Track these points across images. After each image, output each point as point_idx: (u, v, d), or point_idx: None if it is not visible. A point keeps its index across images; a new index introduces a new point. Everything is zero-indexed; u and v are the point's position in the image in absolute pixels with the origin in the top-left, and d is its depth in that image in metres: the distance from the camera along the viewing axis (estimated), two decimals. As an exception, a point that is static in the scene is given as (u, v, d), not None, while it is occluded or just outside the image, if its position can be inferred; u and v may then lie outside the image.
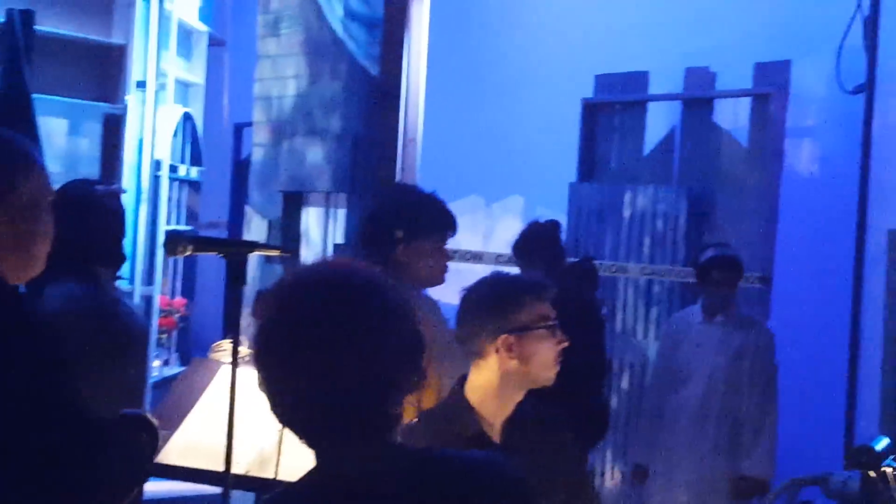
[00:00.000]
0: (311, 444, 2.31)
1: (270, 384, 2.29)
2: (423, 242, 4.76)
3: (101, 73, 9.76)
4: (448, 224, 4.84)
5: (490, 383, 3.61)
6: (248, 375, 3.60)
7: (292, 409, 2.29)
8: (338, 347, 2.23)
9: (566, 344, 3.64)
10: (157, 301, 9.97)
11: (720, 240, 7.87)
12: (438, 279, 4.89)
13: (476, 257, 9.17)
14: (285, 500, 2.28)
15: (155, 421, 3.23)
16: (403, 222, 4.79)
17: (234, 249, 3.36)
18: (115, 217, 4.75)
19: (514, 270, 10.65)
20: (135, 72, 9.65)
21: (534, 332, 3.57)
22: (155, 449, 3.20)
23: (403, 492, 2.22)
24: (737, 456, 7.00)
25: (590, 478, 3.86)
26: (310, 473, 2.30)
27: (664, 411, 7.07)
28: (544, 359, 3.60)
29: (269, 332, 2.30)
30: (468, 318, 3.65)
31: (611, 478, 9.02)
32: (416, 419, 3.65)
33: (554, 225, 7.54)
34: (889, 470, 3.95)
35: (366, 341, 2.24)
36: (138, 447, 3.06)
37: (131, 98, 9.64)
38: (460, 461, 2.35)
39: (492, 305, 3.61)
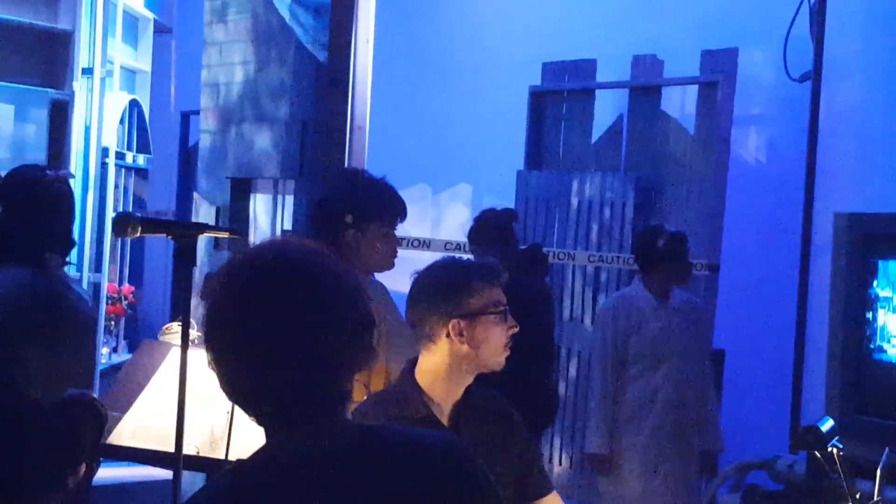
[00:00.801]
0: (261, 422, 2.30)
1: (220, 362, 2.28)
2: (372, 227, 4.77)
3: (48, 58, 9.70)
4: (397, 209, 4.84)
5: (440, 367, 3.62)
6: (198, 357, 3.61)
7: (242, 387, 2.27)
8: (288, 324, 2.21)
9: (516, 330, 3.66)
10: (105, 288, 9.92)
11: (662, 224, 7.88)
12: (387, 264, 4.90)
13: (424, 245, 9.17)
14: (235, 477, 2.27)
15: (100, 402, 3.21)
16: (353, 207, 4.80)
17: (184, 231, 3.34)
18: (63, 203, 4.72)
19: (466, 257, 10.69)
20: (81, 58, 9.59)
21: (484, 318, 3.58)
22: (101, 430, 3.18)
23: (354, 467, 2.22)
24: (700, 433, 7.08)
25: (540, 462, 3.86)
26: (260, 450, 2.29)
27: (630, 394, 7.07)
28: (494, 344, 3.61)
29: (220, 308, 2.28)
30: (419, 302, 3.66)
31: (559, 463, 9.06)
32: (365, 401, 3.65)
33: (509, 213, 7.58)
34: (835, 450, 3.98)
35: (316, 318, 2.23)
36: (77, 428, 3.04)
37: (78, 85, 9.59)
38: (411, 437, 2.35)
39: (443, 290, 3.61)
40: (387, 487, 2.20)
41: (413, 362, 3.71)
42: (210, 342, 2.29)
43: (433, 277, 3.69)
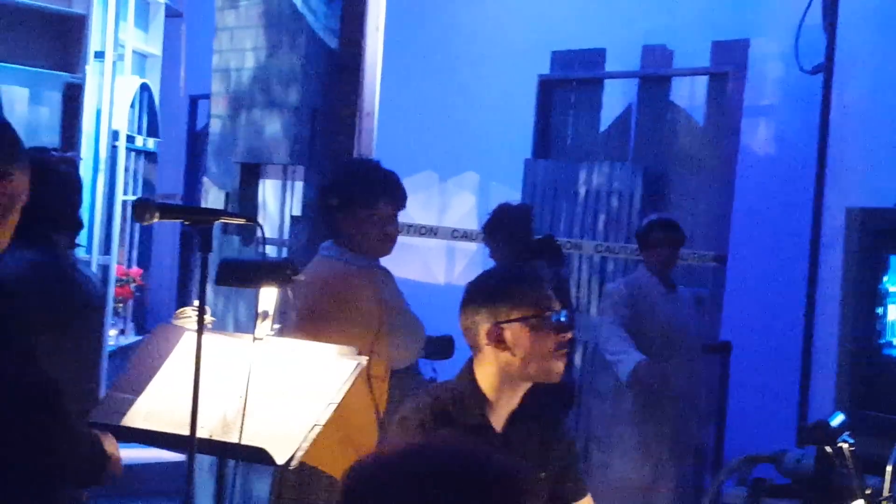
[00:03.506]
0: None
1: None
2: (358, 210, 4.79)
3: (62, 42, 9.72)
4: (378, 192, 4.84)
5: (491, 375, 3.56)
6: (212, 342, 3.63)
7: None
8: None
9: (568, 336, 3.58)
10: (114, 270, 9.95)
11: (672, 216, 7.90)
12: (382, 249, 4.91)
13: (431, 232, 9.17)
14: None
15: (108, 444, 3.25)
16: (337, 191, 4.83)
17: (201, 217, 3.36)
18: (69, 183, 4.73)
19: (469, 246, 10.70)
20: (93, 42, 9.61)
21: (522, 324, 3.51)
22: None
23: None
24: (696, 426, 7.12)
25: (578, 466, 3.83)
26: None
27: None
28: (537, 350, 3.52)
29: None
30: (466, 311, 3.61)
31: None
32: (419, 395, 3.62)
33: (526, 209, 7.63)
34: (845, 445, 3.98)
35: None
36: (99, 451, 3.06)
37: (90, 68, 9.61)
38: None
39: (484, 296, 3.57)
40: None
41: (473, 362, 3.65)
42: None
43: (478, 284, 3.67)
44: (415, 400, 3.57)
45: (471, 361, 3.63)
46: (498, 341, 3.51)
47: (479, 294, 3.59)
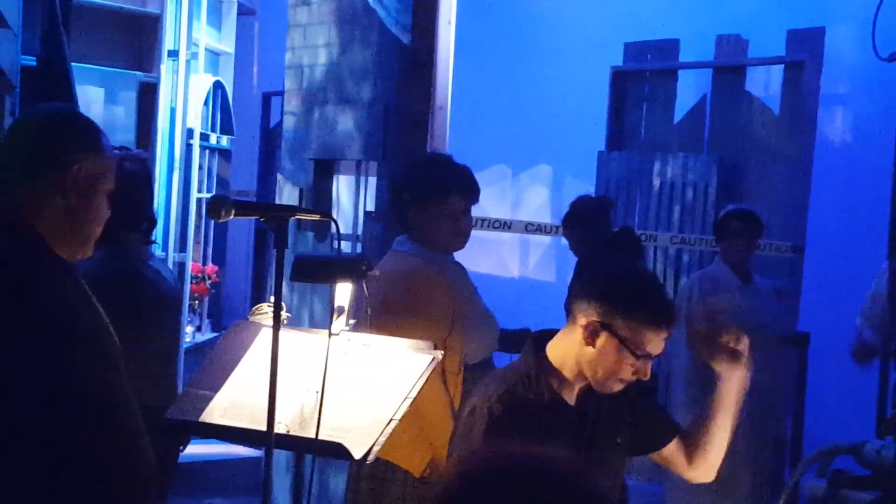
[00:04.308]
0: None
1: None
2: (431, 205, 4.77)
3: (136, 42, 9.80)
4: (457, 187, 4.82)
5: (569, 350, 3.58)
6: (288, 338, 3.64)
7: None
8: None
9: (643, 378, 3.59)
10: (190, 268, 10.01)
11: (750, 207, 7.84)
12: (456, 244, 4.89)
13: (504, 226, 9.16)
14: None
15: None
16: (412, 186, 4.82)
17: (276, 214, 3.37)
18: (134, 181, 4.76)
19: (542, 239, 10.68)
20: (167, 41, 9.68)
21: (619, 340, 3.51)
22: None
23: None
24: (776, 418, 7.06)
25: (661, 413, 3.89)
26: None
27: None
28: (613, 370, 3.54)
29: None
30: (590, 287, 3.63)
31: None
32: (484, 380, 3.64)
33: (606, 201, 7.59)
34: (926, 436, 3.94)
35: None
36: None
37: (164, 67, 9.68)
38: None
39: (614, 293, 3.56)
40: None
41: (538, 340, 3.68)
42: None
43: (619, 276, 3.72)
44: (482, 389, 3.59)
45: (539, 342, 3.65)
46: (591, 335, 3.52)
47: (614, 289, 3.60)
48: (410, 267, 4.76)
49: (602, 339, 3.52)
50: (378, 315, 4.24)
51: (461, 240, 4.89)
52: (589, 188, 9.48)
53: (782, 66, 8.81)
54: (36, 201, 2.91)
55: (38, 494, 2.71)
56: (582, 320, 3.54)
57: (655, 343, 3.55)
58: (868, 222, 8.16)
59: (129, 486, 2.91)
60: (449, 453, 3.74)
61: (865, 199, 8.46)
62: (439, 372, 4.50)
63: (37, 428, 2.71)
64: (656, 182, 9.43)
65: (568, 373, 3.59)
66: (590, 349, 3.53)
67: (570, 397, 3.62)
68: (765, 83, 9.16)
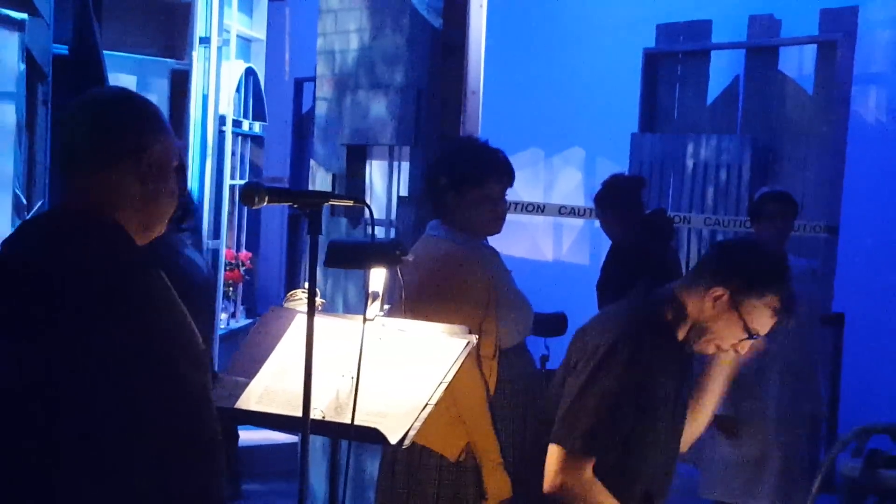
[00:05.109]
0: None
1: None
2: (468, 189, 4.78)
3: (168, 29, 9.81)
4: (497, 173, 4.83)
5: (692, 306, 3.73)
6: (323, 324, 3.65)
7: None
8: None
9: (740, 354, 3.80)
10: (224, 254, 10.05)
11: (785, 189, 7.82)
12: (492, 228, 4.90)
13: (538, 209, 9.16)
14: None
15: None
16: (447, 170, 4.82)
17: (309, 200, 3.36)
18: None
19: (576, 222, 10.66)
20: (199, 28, 9.70)
21: (741, 319, 3.68)
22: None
23: None
24: (810, 398, 7.01)
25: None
26: None
27: (750, 359, 7.00)
28: (725, 338, 3.73)
29: None
30: (733, 256, 3.78)
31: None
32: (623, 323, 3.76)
33: (638, 179, 7.56)
34: (962, 416, 3.93)
35: None
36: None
37: (195, 54, 9.70)
38: None
39: (751, 269, 3.70)
40: None
41: (662, 293, 3.82)
42: None
43: (756, 249, 3.87)
44: (612, 329, 3.73)
45: (666, 290, 3.81)
46: (714, 300, 3.67)
47: (753, 262, 3.74)
48: (445, 251, 4.76)
49: (726, 312, 3.67)
50: (413, 300, 4.25)
51: (499, 224, 4.90)
52: (622, 170, 9.46)
53: (815, 45, 8.77)
54: (116, 191, 2.82)
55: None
56: (715, 289, 3.67)
57: (768, 327, 3.72)
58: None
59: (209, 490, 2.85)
60: (562, 381, 3.80)
61: (900, 178, 8.44)
62: (474, 356, 4.50)
63: (134, 432, 2.66)
64: (690, 163, 9.41)
65: (684, 323, 3.75)
66: (711, 313, 3.68)
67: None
68: (798, 63, 9.13)
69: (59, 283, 2.68)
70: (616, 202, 7.22)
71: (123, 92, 3.03)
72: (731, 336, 3.71)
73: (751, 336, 3.69)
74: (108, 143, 2.82)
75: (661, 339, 3.71)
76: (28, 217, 6.93)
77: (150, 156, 2.84)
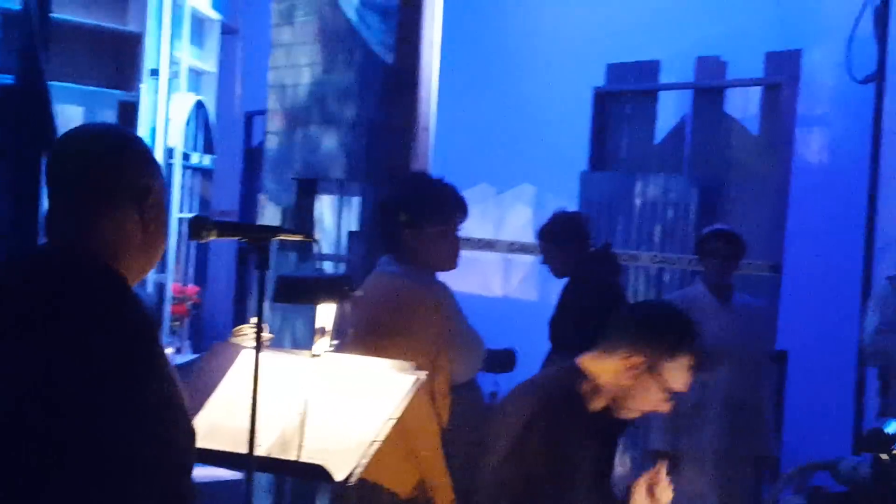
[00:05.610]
0: None
1: None
2: (428, 227, 4.80)
3: (116, 60, 9.79)
4: (454, 209, 4.87)
5: (605, 375, 3.76)
6: (270, 359, 3.66)
7: None
8: None
9: (664, 409, 3.84)
10: (170, 288, 10.01)
11: (733, 227, 7.88)
12: (449, 264, 4.92)
13: (488, 245, 9.20)
14: None
15: None
16: (407, 207, 4.84)
17: (258, 234, 3.37)
18: None
19: (526, 259, 10.70)
20: (148, 60, 9.68)
21: (658, 382, 3.73)
22: None
23: None
24: (754, 436, 7.05)
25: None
26: None
27: (687, 395, 7.04)
28: (643, 404, 3.79)
29: None
30: (634, 319, 3.85)
31: (620, 464, 9.06)
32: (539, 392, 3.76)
33: (582, 216, 7.62)
34: (900, 452, 3.98)
35: None
36: None
37: (144, 86, 9.68)
38: None
39: (659, 332, 3.76)
40: None
41: (571, 366, 3.83)
42: None
43: (666, 313, 3.90)
44: (526, 405, 3.73)
45: (573, 365, 3.82)
46: (634, 372, 3.71)
47: (658, 324, 3.80)
48: (399, 287, 4.77)
49: (645, 378, 3.71)
50: (365, 336, 4.26)
51: (456, 260, 4.93)
52: (571, 207, 9.49)
53: (760, 87, 8.87)
54: (119, 236, 2.71)
55: None
56: (631, 358, 3.71)
57: (686, 382, 3.79)
58: (844, 242, 8.21)
59: None
60: (479, 461, 3.82)
61: (842, 219, 8.52)
62: (428, 393, 4.52)
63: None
64: (637, 202, 9.46)
65: (601, 393, 3.77)
66: (628, 382, 3.72)
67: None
68: (743, 104, 9.21)
69: (59, 342, 2.55)
70: (560, 236, 7.27)
71: (118, 130, 2.97)
72: (653, 399, 3.76)
73: (671, 396, 3.75)
74: (111, 187, 2.72)
75: (575, 411, 3.72)
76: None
77: (151, 198, 2.76)
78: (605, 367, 3.74)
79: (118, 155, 2.75)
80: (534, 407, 3.68)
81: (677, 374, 3.73)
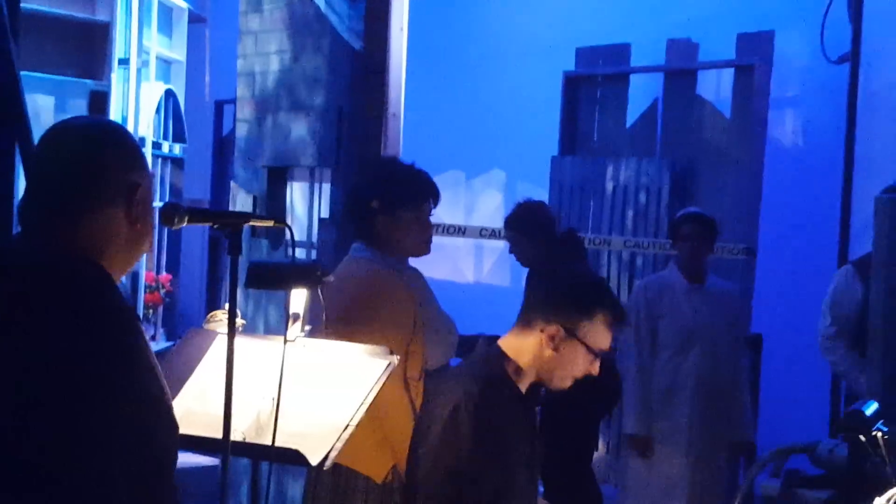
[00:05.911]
0: None
1: None
2: (402, 212, 4.79)
3: (86, 50, 9.76)
4: (426, 194, 4.86)
5: (521, 353, 3.75)
6: (244, 345, 3.64)
7: None
8: None
9: (593, 374, 3.78)
10: (143, 277, 9.98)
11: (705, 211, 7.88)
12: (421, 249, 4.91)
13: (459, 231, 9.17)
14: None
15: None
16: (379, 193, 4.82)
17: (230, 220, 3.35)
18: None
19: (497, 244, 10.70)
20: (118, 49, 9.64)
21: (582, 346, 3.70)
22: None
23: None
24: (731, 420, 7.05)
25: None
26: None
27: (660, 378, 7.05)
28: (571, 371, 3.75)
29: None
30: (550, 294, 3.79)
31: (595, 448, 9.04)
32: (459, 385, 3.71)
33: (546, 204, 7.67)
34: (879, 434, 3.96)
35: None
36: None
37: (114, 75, 9.64)
38: None
39: (570, 298, 3.74)
40: None
41: (493, 340, 3.85)
42: None
43: (572, 282, 3.87)
44: (452, 388, 3.70)
45: (495, 347, 3.80)
46: (555, 342, 3.69)
47: (567, 291, 3.79)
48: (371, 273, 4.76)
49: (566, 345, 3.68)
50: (338, 322, 4.24)
51: (427, 245, 4.92)
52: (542, 193, 9.50)
53: (732, 69, 8.86)
54: (105, 233, 2.67)
55: None
56: (547, 329, 3.69)
57: (608, 340, 3.76)
58: (818, 224, 8.22)
59: None
60: (417, 450, 3.77)
61: (816, 200, 8.53)
62: (401, 378, 4.51)
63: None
64: (609, 186, 9.46)
65: (528, 370, 3.75)
66: (550, 353, 3.69)
67: (523, 389, 3.80)
68: (716, 87, 9.21)
69: (46, 338, 2.54)
70: (526, 225, 7.29)
71: (107, 125, 2.93)
72: (581, 363, 3.73)
73: (597, 356, 3.72)
74: (100, 184, 2.68)
75: (504, 393, 3.71)
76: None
77: (139, 194, 2.73)
78: (525, 344, 3.73)
79: (105, 151, 2.71)
80: (460, 392, 3.65)
81: (598, 334, 3.71)
